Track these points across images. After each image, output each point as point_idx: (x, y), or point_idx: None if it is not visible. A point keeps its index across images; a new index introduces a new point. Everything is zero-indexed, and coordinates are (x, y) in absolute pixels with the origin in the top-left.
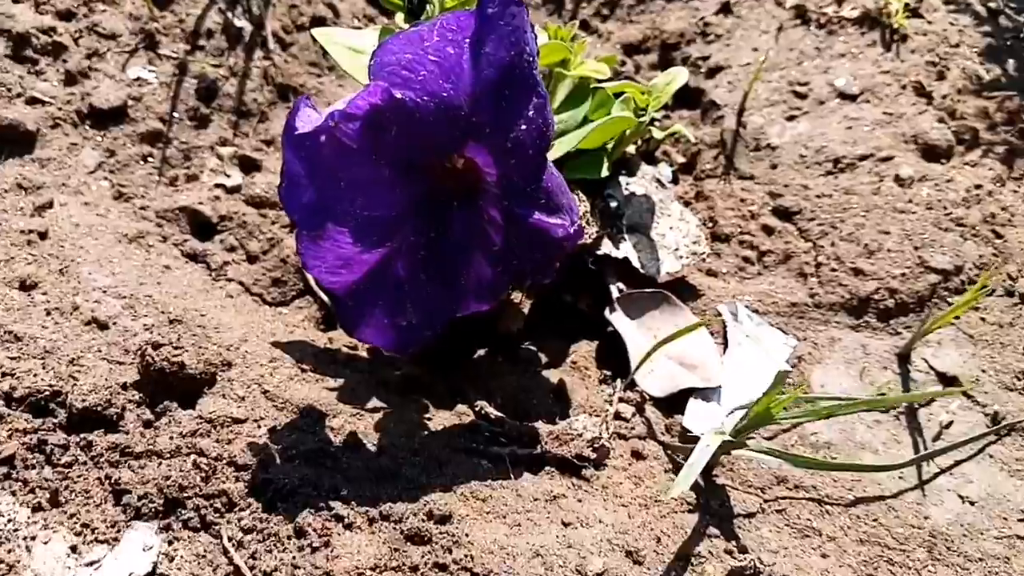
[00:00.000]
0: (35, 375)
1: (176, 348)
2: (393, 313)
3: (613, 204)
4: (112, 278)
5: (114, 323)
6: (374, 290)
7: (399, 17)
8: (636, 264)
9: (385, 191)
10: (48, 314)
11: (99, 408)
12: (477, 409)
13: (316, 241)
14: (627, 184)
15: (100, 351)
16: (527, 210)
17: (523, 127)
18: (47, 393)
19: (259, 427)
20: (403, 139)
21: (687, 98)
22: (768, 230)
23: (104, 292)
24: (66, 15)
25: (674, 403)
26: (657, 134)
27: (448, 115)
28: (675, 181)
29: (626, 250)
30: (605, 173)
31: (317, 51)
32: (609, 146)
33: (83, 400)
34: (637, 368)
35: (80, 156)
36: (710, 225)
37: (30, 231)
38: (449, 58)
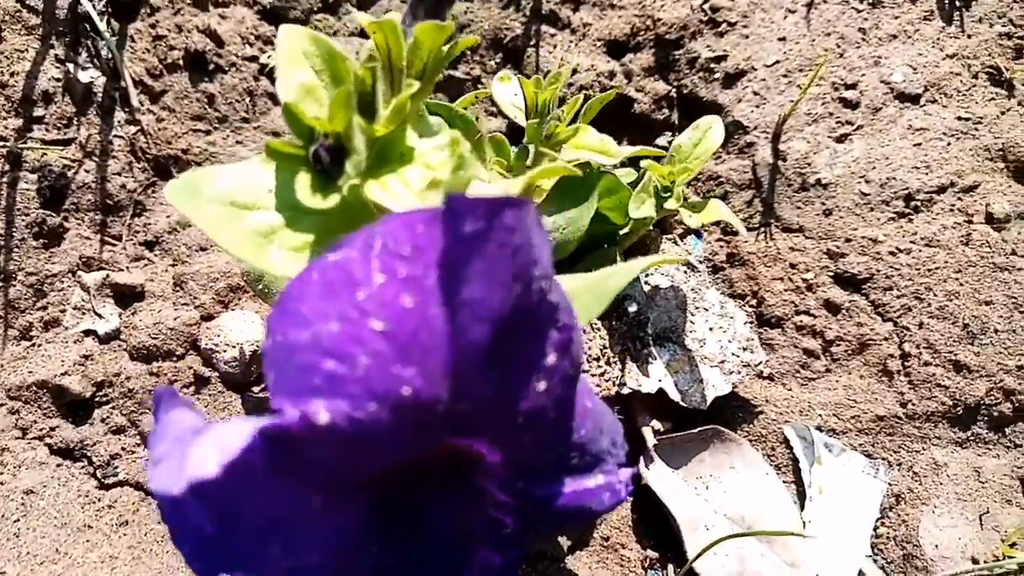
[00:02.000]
0: None
1: None
2: None
3: (632, 308)
4: None
5: None
6: None
7: (301, 181)
8: (675, 396)
9: (316, 522)
10: None
11: None
12: None
13: None
14: (647, 276)
15: None
16: (553, 486)
17: (541, 387)
18: None
19: None
20: (336, 462)
21: (699, 111)
22: (832, 307)
23: None
24: None
25: None
26: (690, 219)
27: (413, 417)
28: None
29: (658, 376)
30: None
31: (200, 97)
32: (622, 230)
33: None
34: (697, 557)
35: None
36: (754, 303)
37: None
38: (406, 318)
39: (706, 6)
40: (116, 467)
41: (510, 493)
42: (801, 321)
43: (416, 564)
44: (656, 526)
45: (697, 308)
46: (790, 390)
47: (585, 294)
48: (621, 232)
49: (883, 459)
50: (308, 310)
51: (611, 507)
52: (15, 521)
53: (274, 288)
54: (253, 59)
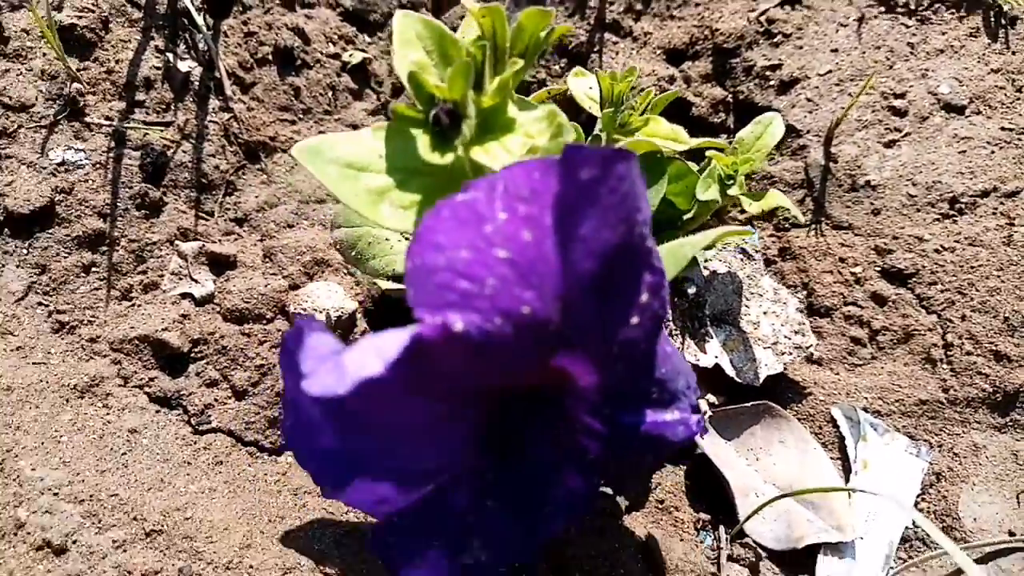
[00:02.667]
0: None
1: None
2: (453, 550)
3: (691, 291)
4: (63, 469)
5: (74, 543)
6: (425, 525)
7: (421, 141)
8: (730, 371)
9: (434, 432)
10: None
11: None
12: None
13: (340, 488)
14: (705, 261)
15: None
16: (637, 415)
17: (634, 320)
18: None
19: None
20: (462, 370)
21: (754, 115)
22: (879, 299)
23: (55, 495)
24: None
25: (796, 557)
26: (750, 206)
27: (530, 333)
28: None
29: (714, 353)
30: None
31: (287, 89)
32: (685, 215)
33: None
34: (748, 519)
35: (2, 279)
36: (804, 294)
37: None
38: (526, 249)
39: (762, 18)
40: (209, 416)
41: (599, 418)
42: (849, 311)
43: (513, 479)
44: (708, 492)
45: (752, 293)
46: (837, 374)
47: (664, 258)
48: (684, 217)
49: (925, 440)
50: (443, 239)
51: (684, 440)
52: (123, 454)
53: (367, 254)
54: (336, 56)
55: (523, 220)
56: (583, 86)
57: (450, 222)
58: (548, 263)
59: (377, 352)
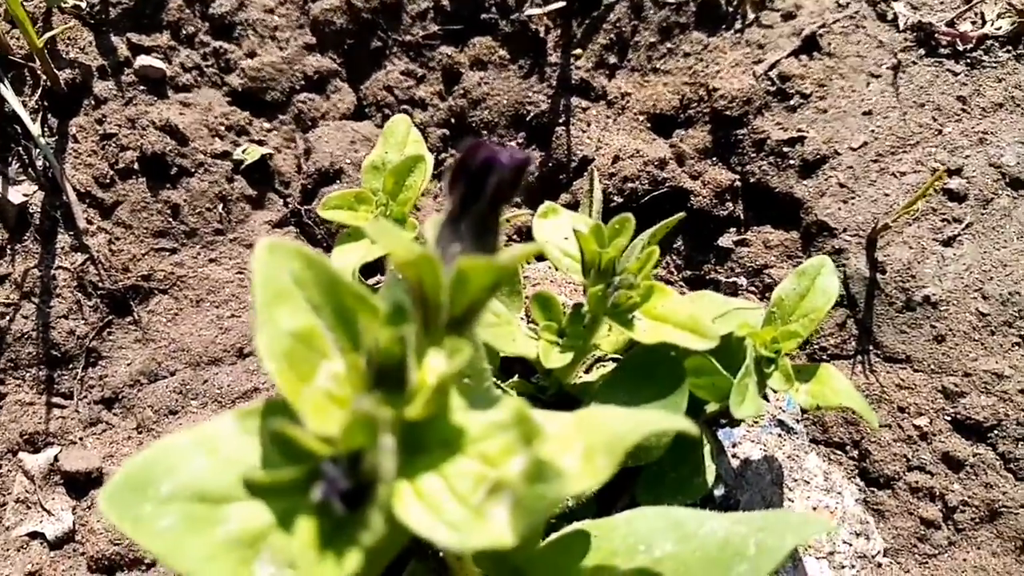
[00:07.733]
0: None
1: None
2: None
3: (719, 492)
4: None
5: None
6: None
7: (301, 532)
8: None
9: None
10: None
11: None
12: None
13: None
14: (734, 447)
15: None
16: None
17: None
18: None
19: None
20: None
21: (770, 206)
22: (953, 463)
23: None
24: None
25: None
26: (799, 396)
27: None
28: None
29: None
30: (711, 480)
31: (162, 207)
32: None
33: None
34: None
35: None
36: (855, 456)
37: None
38: None
39: (773, 74)
40: None
41: None
42: (916, 481)
43: None
44: None
45: (796, 481)
46: (907, 572)
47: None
48: (707, 409)
49: None
50: None
51: None
52: None
53: None
54: (225, 155)
55: None
56: (556, 234)
57: None
58: None
59: None
